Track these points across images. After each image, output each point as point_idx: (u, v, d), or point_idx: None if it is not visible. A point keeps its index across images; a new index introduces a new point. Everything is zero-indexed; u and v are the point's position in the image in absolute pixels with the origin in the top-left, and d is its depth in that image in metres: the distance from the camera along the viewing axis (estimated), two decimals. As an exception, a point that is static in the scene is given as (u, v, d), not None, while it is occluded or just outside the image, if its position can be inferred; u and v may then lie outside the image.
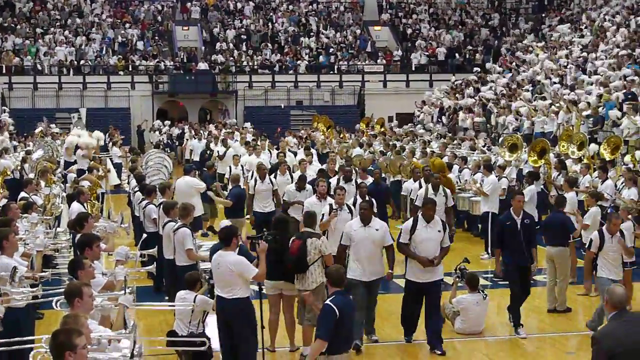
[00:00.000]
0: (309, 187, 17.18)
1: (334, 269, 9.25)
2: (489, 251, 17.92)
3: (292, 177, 19.16)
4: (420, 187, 18.04)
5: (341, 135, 35.85)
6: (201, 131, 36.32)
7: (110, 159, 28.95)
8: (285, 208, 16.58)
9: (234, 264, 10.13)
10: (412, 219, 12.47)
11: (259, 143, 28.05)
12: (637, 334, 7.21)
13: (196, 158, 31.38)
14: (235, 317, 10.15)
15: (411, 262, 12.15)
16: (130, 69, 48.06)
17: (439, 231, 12.09)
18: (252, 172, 19.76)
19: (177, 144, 40.04)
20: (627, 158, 22.18)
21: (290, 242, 11.73)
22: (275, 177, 19.23)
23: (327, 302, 8.68)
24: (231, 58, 49.18)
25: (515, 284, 13.08)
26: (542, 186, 20.19)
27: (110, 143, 33.00)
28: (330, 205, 14.24)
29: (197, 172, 21.69)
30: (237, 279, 10.11)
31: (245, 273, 10.13)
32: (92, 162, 23.85)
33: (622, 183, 18.73)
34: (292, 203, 16.71)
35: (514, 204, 13.36)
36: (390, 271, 12.29)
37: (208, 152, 29.92)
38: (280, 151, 25.75)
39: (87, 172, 21.43)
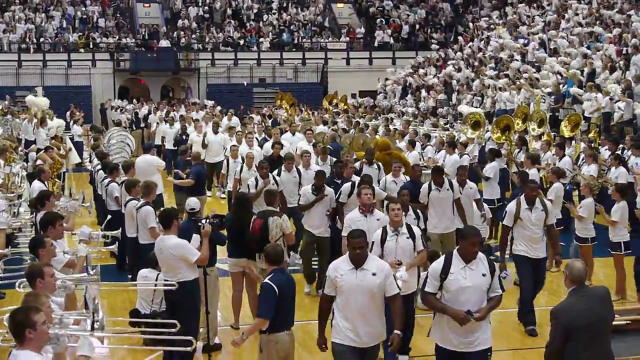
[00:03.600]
0: (329, 190, 14.07)
1: (270, 247, 8.99)
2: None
3: (299, 175, 15.91)
4: (430, 190, 14.05)
5: (304, 113, 35.81)
6: (173, 114, 33.03)
7: (71, 138, 28.73)
8: (300, 215, 14.24)
9: (174, 247, 10.01)
10: (443, 257, 8.49)
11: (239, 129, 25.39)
12: (595, 308, 7.31)
13: (169, 145, 27.91)
14: (180, 299, 9.95)
15: (440, 320, 8.40)
16: (91, 47, 47.59)
17: (484, 275, 8.23)
18: (241, 167, 17.52)
19: (142, 125, 36.75)
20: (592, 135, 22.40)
21: (252, 221, 11.71)
22: (278, 174, 15.79)
23: (266, 280, 8.51)
24: (193, 36, 48.91)
25: None
26: (505, 164, 20.37)
27: (72, 121, 32.70)
28: (384, 227, 10.53)
29: (162, 154, 21.19)
30: (180, 262, 10.00)
31: (186, 256, 10.01)
32: (53, 140, 23.70)
33: (582, 159, 18.92)
34: (307, 207, 14.00)
35: None
36: (397, 332, 8.32)
37: (184, 137, 26.82)
38: (276, 140, 21.52)
39: (44, 150, 21.21)
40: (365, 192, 11.57)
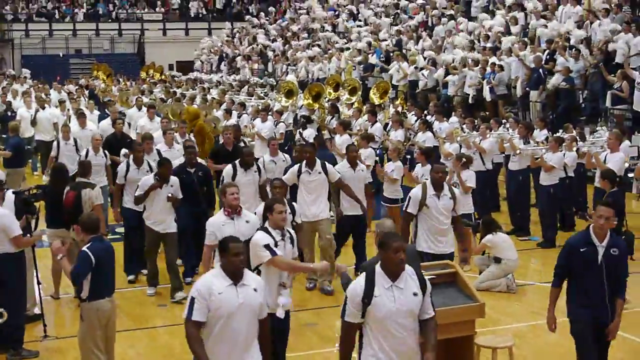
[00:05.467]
0: (174, 179, 12.07)
1: (85, 215, 8.72)
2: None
3: (161, 156, 13.48)
4: (300, 172, 12.19)
5: (122, 83, 35.70)
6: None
7: None
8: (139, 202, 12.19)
9: None
10: (363, 275, 6.37)
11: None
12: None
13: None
14: (3, 272, 9.64)
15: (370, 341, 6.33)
16: None
17: (415, 294, 6.29)
18: (87, 151, 14.80)
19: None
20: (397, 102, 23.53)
21: (65, 193, 11.56)
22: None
23: (84, 248, 8.24)
24: (6, 7, 47.72)
25: (586, 350, 7.80)
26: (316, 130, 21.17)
27: None
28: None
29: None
30: (1, 233, 9.61)
31: (7, 229, 9.61)
32: None
33: (390, 126, 19.91)
34: (142, 198, 12.06)
35: (596, 221, 7.65)
36: None
37: (9, 113, 24.73)
38: (115, 117, 18.20)
39: None
40: (231, 192, 9.33)
